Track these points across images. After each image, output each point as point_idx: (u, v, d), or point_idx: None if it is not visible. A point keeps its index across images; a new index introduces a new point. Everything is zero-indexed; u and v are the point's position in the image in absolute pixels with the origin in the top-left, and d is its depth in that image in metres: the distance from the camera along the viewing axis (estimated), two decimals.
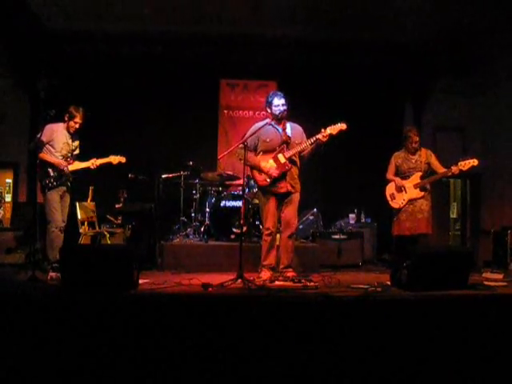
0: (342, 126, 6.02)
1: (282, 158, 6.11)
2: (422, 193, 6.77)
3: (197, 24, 8.71)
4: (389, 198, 6.96)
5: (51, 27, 8.86)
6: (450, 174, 6.64)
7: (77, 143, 6.69)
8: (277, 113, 6.19)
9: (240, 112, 10.15)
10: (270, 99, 6.30)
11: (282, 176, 6.13)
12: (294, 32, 8.94)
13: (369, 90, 9.73)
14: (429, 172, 6.85)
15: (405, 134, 7.01)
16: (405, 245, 6.64)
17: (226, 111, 10.16)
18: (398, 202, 6.85)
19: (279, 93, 6.34)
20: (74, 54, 9.35)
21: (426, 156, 6.87)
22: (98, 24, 8.71)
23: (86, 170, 6.61)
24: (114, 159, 6.65)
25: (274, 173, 6.09)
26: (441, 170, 6.77)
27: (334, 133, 6.00)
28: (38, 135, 6.35)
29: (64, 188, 6.49)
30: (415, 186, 6.77)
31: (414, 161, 6.87)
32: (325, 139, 6.01)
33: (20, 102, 9.61)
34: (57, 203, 6.38)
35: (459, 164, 6.47)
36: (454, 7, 7.89)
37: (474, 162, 6.43)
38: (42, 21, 8.68)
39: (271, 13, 8.29)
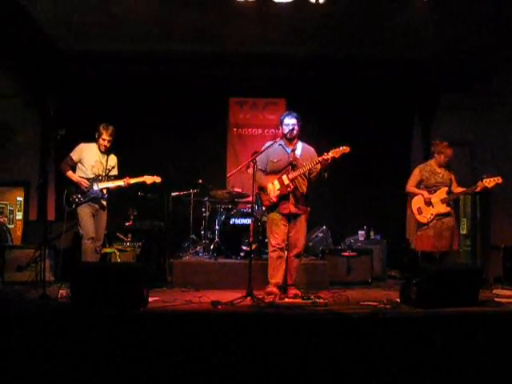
0: (344, 149, 6.00)
1: (285, 180, 6.13)
2: (449, 208, 6.70)
3: (205, 43, 8.75)
4: (416, 212, 6.79)
5: (61, 47, 8.93)
6: (475, 190, 6.62)
7: (113, 163, 6.78)
8: (285, 131, 6.25)
9: (249, 130, 10.16)
10: (282, 118, 6.39)
11: (286, 197, 6.15)
12: (303, 49, 8.97)
13: (378, 106, 9.76)
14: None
15: (438, 148, 6.81)
16: (430, 260, 6.67)
17: (235, 129, 10.18)
18: (425, 216, 6.69)
19: (293, 113, 6.38)
20: (83, 73, 9.45)
21: (450, 173, 6.82)
22: (107, 44, 8.78)
23: (119, 188, 6.68)
24: (149, 179, 6.66)
25: (274, 197, 6.14)
26: (458, 188, 6.79)
27: (337, 156, 5.99)
28: (71, 153, 6.60)
29: (96, 206, 6.57)
30: (442, 201, 6.66)
31: (441, 175, 6.76)
32: (327, 162, 6.01)
33: (31, 122, 9.70)
34: (87, 216, 6.48)
35: (484, 181, 6.46)
36: (461, 23, 7.91)
37: (499, 179, 6.44)
38: (53, 41, 8.76)
39: (279, 30, 8.32)
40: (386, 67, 9.46)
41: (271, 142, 6.31)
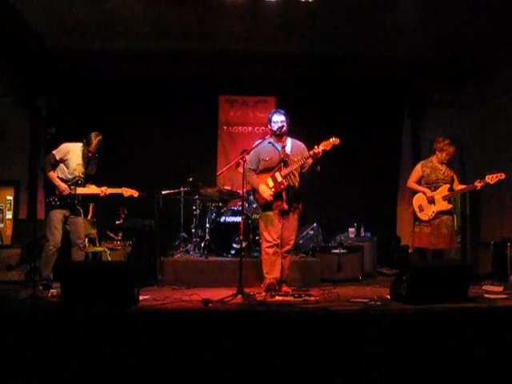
0: (334, 140, 6.00)
1: (278, 177, 6.14)
2: (451, 205, 6.70)
3: (195, 41, 8.76)
4: (417, 209, 6.75)
5: (52, 46, 8.91)
6: (477, 188, 6.61)
7: (93, 165, 6.66)
8: (275, 129, 6.25)
9: (239, 128, 10.18)
10: (270, 116, 6.39)
11: (279, 195, 6.15)
12: (292, 47, 9.00)
13: (367, 105, 9.80)
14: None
15: (440, 146, 6.80)
16: (422, 257, 6.69)
17: (225, 127, 10.20)
18: (427, 213, 6.65)
19: (281, 110, 6.40)
20: (74, 72, 9.40)
21: (451, 171, 6.82)
22: (97, 42, 8.77)
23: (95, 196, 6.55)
24: (126, 191, 6.54)
25: (268, 197, 6.13)
26: (459, 186, 6.79)
27: (328, 148, 5.97)
28: (54, 151, 6.41)
29: (69, 210, 6.41)
30: (444, 198, 6.64)
31: (442, 172, 6.75)
32: (318, 155, 6.01)
33: (21, 121, 9.66)
34: (59, 223, 6.31)
35: (487, 177, 6.46)
36: (450, 22, 7.96)
37: (502, 175, 6.43)
38: (43, 40, 8.74)
39: (269, 28, 8.33)
40: (376, 65, 9.50)
41: (260, 140, 6.31)
